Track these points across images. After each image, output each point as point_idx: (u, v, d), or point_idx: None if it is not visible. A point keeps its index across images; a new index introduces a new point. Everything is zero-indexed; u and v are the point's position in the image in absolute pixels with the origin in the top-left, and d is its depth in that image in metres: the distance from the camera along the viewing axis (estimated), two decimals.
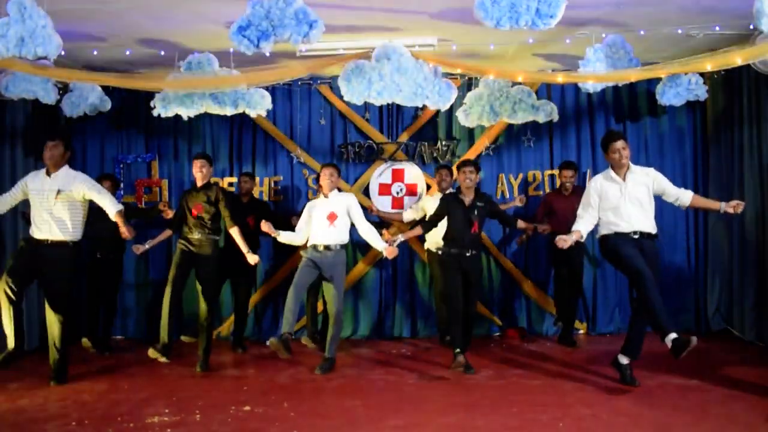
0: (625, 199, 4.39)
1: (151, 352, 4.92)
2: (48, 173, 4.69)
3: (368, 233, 5.12)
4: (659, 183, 4.49)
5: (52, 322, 4.67)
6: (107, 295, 5.98)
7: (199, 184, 5.26)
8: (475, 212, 5.05)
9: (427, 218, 5.56)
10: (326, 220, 5.03)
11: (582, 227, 4.49)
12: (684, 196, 4.48)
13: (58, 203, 4.62)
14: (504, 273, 6.55)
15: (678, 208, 6.28)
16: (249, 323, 6.50)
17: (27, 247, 4.69)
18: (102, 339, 5.93)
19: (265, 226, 4.95)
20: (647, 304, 4.15)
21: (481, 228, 5.17)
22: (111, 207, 4.70)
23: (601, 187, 4.48)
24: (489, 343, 6.06)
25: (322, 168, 5.29)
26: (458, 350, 4.96)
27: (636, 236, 4.36)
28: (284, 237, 5.12)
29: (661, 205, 4.68)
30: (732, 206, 4.27)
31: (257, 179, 6.59)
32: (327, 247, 5.03)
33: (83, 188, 4.69)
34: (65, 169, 4.73)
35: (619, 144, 4.41)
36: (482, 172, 6.54)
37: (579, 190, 5.93)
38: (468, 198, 5.09)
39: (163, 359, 4.96)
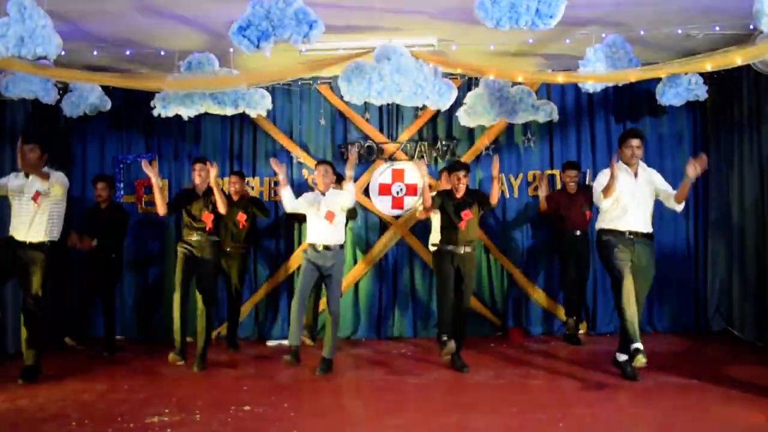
0: (633, 195, 4.49)
1: (171, 358, 5.05)
2: (27, 175, 4.77)
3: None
4: (658, 182, 4.59)
5: (26, 322, 4.72)
6: (104, 294, 5.92)
7: (199, 189, 5.23)
8: (467, 205, 5.11)
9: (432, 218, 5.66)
10: (324, 220, 5.02)
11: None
12: (671, 197, 4.52)
13: (36, 204, 4.69)
14: (510, 278, 6.55)
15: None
16: (249, 323, 6.53)
17: (6, 246, 4.73)
18: (106, 339, 5.89)
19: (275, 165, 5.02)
20: (620, 312, 4.44)
21: (476, 218, 5.20)
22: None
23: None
24: (489, 343, 6.05)
25: (316, 166, 5.25)
26: (445, 338, 4.97)
27: (631, 236, 4.48)
28: (286, 193, 5.04)
29: (662, 206, 4.69)
30: (694, 167, 4.28)
31: (257, 179, 6.61)
32: (326, 247, 5.01)
33: (58, 185, 4.78)
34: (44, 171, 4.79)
35: (635, 142, 4.51)
36: (482, 172, 6.58)
37: (583, 189, 5.94)
38: (459, 194, 5.16)
39: (181, 362, 5.06)
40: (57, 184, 4.78)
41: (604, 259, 4.60)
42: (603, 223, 4.62)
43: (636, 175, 4.56)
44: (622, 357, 4.57)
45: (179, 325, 5.09)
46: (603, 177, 4.55)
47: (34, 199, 4.70)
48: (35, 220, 4.70)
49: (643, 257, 4.51)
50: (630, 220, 4.50)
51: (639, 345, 4.29)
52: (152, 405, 4.14)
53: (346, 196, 5.04)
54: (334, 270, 5.03)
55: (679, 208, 4.52)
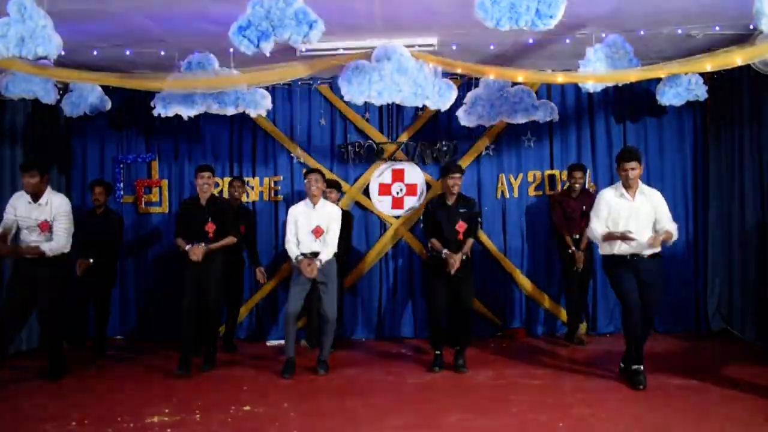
0: (630, 219, 4.44)
1: (176, 374, 4.93)
2: (33, 200, 4.70)
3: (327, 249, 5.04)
4: (659, 210, 4.51)
5: (44, 331, 4.81)
6: (99, 301, 5.86)
7: (203, 197, 5.14)
8: (458, 216, 5.00)
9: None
10: (312, 234, 5.00)
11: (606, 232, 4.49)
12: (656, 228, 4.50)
13: (44, 232, 4.68)
14: (510, 278, 6.53)
15: (678, 209, 6.37)
16: (249, 323, 6.53)
17: (21, 267, 4.73)
18: (97, 343, 5.84)
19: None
20: (628, 335, 4.48)
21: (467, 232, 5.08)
22: (47, 245, 4.65)
23: (610, 202, 4.51)
24: (489, 343, 6.06)
25: (307, 174, 5.15)
26: (438, 352, 5.01)
27: (635, 258, 4.43)
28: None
29: None
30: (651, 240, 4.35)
31: (257, 179, 6.61)
32: (316, 254, 4.98)
33: (60, 213, 4.71)
34: (47, 194, 4.72)
35: (630, 165, 4.43)
36: (482, 172, 6.58)
37: (586, 192, 5.92)
38: (451, 201, 5.04)
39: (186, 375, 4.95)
40: (59, 212, 4.70)
41: (612, 285, 4.61)
42: (604, 248, 4.56)
43: (633, 198, 4.47)
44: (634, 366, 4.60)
45: (187, 336, 5.03)
46: (598, 220, 4.52)
47: (42, 228, 4.68)
48: (45, 241, 4.68)
49: (648, 275, 4.44)
50: (631, 244, 4.39)
51: (640, 367, 4.37)
52: (152, 405, 4.15)
53: (335, 225, 5.05)
54: (327, 277, 5.01)
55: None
